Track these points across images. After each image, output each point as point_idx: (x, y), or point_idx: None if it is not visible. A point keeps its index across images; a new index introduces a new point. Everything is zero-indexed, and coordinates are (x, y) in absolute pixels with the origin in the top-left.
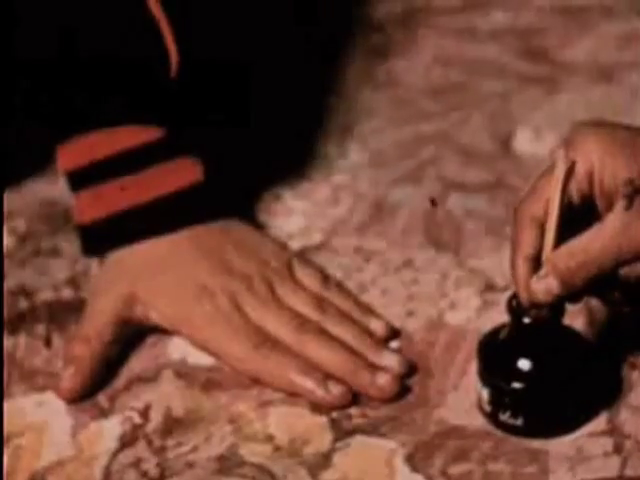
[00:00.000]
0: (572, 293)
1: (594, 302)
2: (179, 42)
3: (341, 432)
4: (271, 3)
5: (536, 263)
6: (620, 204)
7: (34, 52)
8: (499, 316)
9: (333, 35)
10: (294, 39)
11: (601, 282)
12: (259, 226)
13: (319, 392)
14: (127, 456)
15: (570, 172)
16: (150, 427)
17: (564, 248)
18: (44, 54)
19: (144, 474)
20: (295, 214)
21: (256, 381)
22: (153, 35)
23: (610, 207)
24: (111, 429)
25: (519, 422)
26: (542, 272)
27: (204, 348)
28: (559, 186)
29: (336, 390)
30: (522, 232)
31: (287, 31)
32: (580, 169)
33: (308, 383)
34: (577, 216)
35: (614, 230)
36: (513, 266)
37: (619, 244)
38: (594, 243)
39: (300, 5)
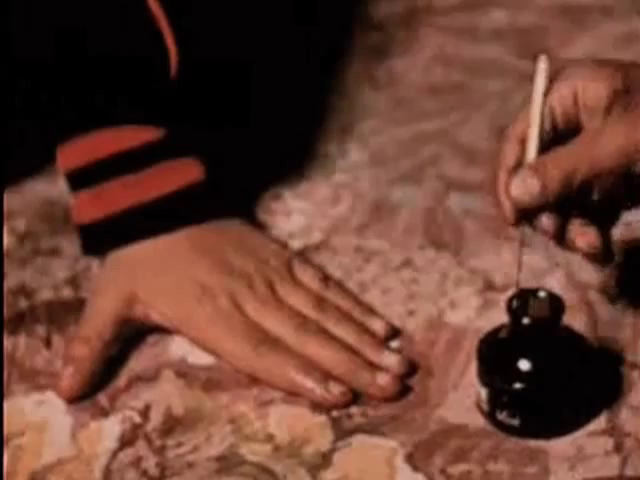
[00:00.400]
0: (549, 202)
1: (594, 302)
2: (179, 42)
3: (341, 431)
4: (271, 3)
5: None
6: (601, 114)
7: (34, 52)
8: (499, 316)
9: (333, 34)
10: (294, 39)
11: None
12: (259, 226)
13: (319, 391)
14: (127, 456)
15: (550, 83)
16: (150, 427)
17: (546, 155)
18: (44, 54)
19: (144, 473)
20: (295, 214)
21: (256, 380)
22: (153, 35)
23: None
24: (111, 429)
25: (516, 422)
26: (522, 172)
27: (204, 347)
28: (540, 95)
29: (336, 389)
30: (505, 148)
31: (287, 31)
32: (564, 90)
33: (308, 382)
34: (561, 141)
35: (596, 134)
36: (495, 181)
37: (601, 146)
38: (577, 147)
39: (300, 5)
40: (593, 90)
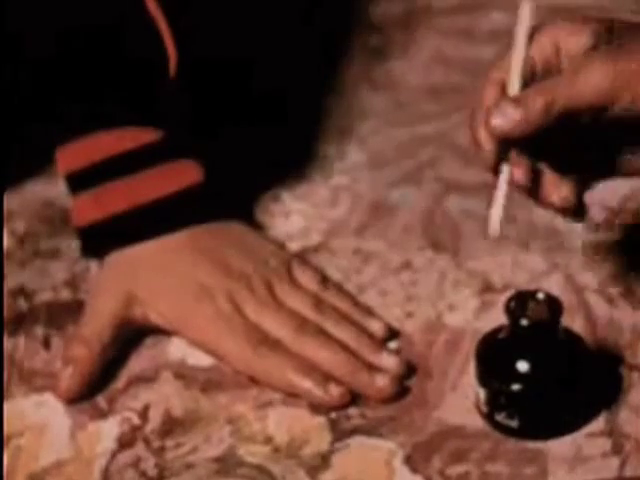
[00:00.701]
0: (530, 134)
1: (592, 303)
2: (178, 43)
3: (340, 433)
4: (270, 3)
5: None
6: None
7: (34, 52)
8: (497, 317)
9: (332, 35)
10: (293, 39)
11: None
12: (258, 227)
13: (318, 392)
14: (126, 457)
15: (538, 29)
16: (149, 428)
17: (527, 89)
18: (44, 54)
19: (143, 475)
20: (294, 215)
21: (255, 381)
22: (151, 36)
23: None
24: (110, 430)
25: (515, 423)
26: (503, 102)
27: (203, 348)
28: (523, 37)
29: (335, 391)
30: (484, 91)
31: (286, 31)
32: (544, 40)
33: (307, 383)
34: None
35: (578, 67)
36: (473, 119)
37: (584, 81)
38: (558, 79)
39: (300, 5)
40: (576, 38)
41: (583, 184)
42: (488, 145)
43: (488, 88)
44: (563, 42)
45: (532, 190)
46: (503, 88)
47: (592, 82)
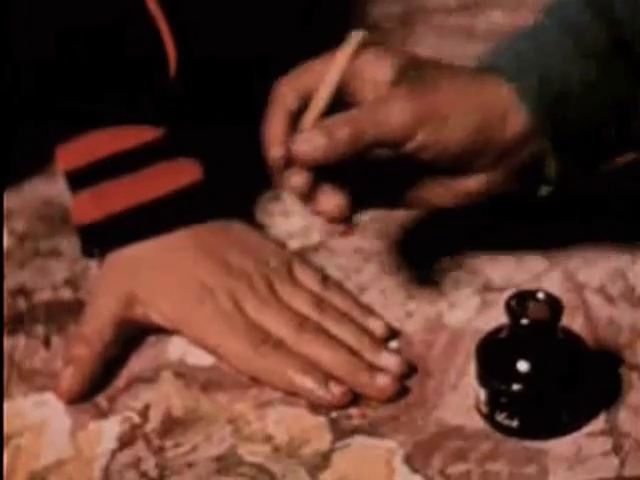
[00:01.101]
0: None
1: (592, 303)
2: (178, 42)
3: (340, 432)
4: (270, 2)
5: (295, 123)
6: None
7: (34, 52)
8: (498, 316)
9: (330, 34)
10: (293, 38)
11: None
12: (258, 226)
13: (319, 392)
14: (126, 456)
15: (357, 54)
16: (149, 427)
17: (334, 116)
18: (44, 54)
19: (143, 474)
20: (294, 214)
21: (256, 380)
22: (152, 35)
23: None
24: (110, 429)
25: (515, 423)
26: (311, 129)
27: (204, 347)
28: (344, 59)
29: (336, 390)
30: (284, 93)
31: (286, 30)
32: (352, 68)
33: (308, 382)
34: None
35: (382, 102)
36: (269, 118)
37: (382, 117)
38: (365, 111)
39: (300, 5)
40: (381, 69)
41: (358, 203)
42: (276, 156)
43: (289, 92)
44: (368, 71)
45: (307, 196)
46: (303, 98)
47: (394, 117)
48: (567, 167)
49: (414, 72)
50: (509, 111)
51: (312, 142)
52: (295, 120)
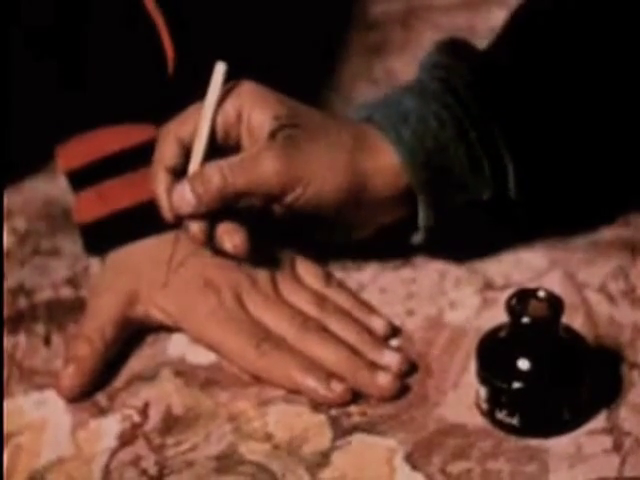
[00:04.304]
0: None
1: (593, 301)
2: (175, 39)
3: (340, 430)
4: (270, 2)
5: (176, 176)
6: (265, 138)
7: (33, 52)
8: (498, 315)
9: (331, 32)
10: (292, 36)
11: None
12: None
13: (320, 390)
14: (126, 454)
15: (227, 93)
16: (149, 425)
17: (207, 166)
18: (43, 53)
19: (143, 472)
20: None
21: (256, 378)
22: (150, 33)
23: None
24: (110, 427)
25: (515, 421)
26: (182, 184)
27: (205, 343)
28: (211, 106)
29: (337, 388)
30: (163, 145)
31: (285, 28)
32: (229, 107)
33: (309, 381)
34: (217, 155)
35: (257, 155)
36: (154, 177)
37: (256, 173)
38: (237, 164)
39: (300, 4)
40: (259, 112)
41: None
42: (166, 207)
43: (167, 144)
44: (246, 113)
45: (205, 239)
46: (181, 145)
47: (267, 176)
48: (439, 217)
49: (290, 130)
50: (384, 167)
51: (185, 198)
52: (178, 173)
